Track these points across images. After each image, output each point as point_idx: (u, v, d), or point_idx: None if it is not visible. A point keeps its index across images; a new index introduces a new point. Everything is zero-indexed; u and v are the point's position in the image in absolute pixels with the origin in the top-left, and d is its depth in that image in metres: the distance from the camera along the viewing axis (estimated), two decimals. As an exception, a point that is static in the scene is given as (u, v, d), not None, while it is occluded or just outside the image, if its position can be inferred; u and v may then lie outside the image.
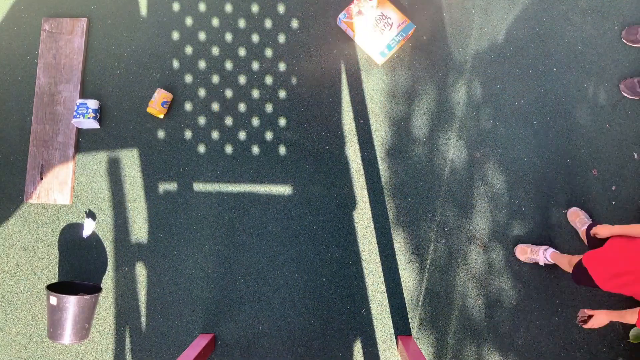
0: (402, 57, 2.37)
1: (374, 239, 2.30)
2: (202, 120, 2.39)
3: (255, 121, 2.39)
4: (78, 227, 2.35)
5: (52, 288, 2.21)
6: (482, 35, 2.37)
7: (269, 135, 2.37)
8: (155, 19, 2.46)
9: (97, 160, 2.39)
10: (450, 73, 2.36)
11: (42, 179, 2.37)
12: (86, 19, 2.44)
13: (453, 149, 2.32)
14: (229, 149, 2.37)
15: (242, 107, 2.39)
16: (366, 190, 2.32)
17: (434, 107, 2.35)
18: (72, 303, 2.12)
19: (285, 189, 2.34)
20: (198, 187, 2.35)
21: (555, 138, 2.31)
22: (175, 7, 2.46)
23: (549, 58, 2.35)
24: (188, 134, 2.39)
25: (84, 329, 2.18)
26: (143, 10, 2.46)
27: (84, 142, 2.40)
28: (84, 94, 2.42)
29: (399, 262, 2.28)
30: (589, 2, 2.37)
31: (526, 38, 2.36)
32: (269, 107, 2.39)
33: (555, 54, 2.35)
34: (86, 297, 2.15)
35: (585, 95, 2.32)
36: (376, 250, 2.29)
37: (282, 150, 2.36)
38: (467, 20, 2.38)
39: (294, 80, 2.40)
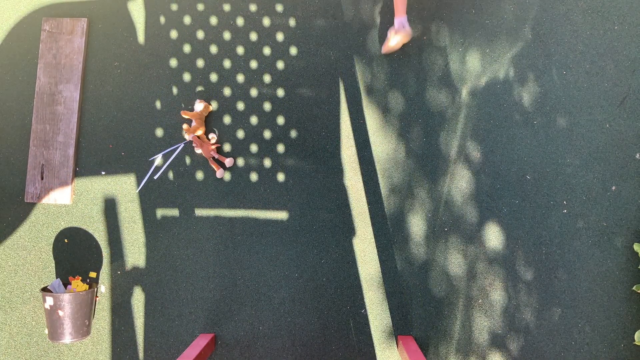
0: (403, 58, 2.37)
1: (374, 239, 2.30)
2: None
3: (254, 121, 2.39)
4: (78, 227, 2.35)
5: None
6: (482, 35, 2.37)
7: (268, 135, 2.37)
8: (156, 19, 2.46)
9: (98, 160, 2.39)
10: (450, 73, 2.36)
11: (42, 179, 2.37)
12: (86, 19, 2.44)
13: (453, 149, 2.32)
14: (227, 148, 2.37)
15: (240, 106, 2.40)
16: (366, 190, 2.33)
17: (434, 107, 2.35)
18: (67, 301, 2.12)
19: (285, 189, 2.34)
20: (198, 187, 2.35)
21: (555, 138, 2.31)
22: (175, 7, 2.46)
23: (549, 58, 2.35)
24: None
25: (84, 325, 2.18)
26: (143, 10, 2.46)
27: (85, 142, 2.40)
28: (84, 94, 2.42)
29: (398, 262, 2.28)
30: (589, 2, 2.37)
31: (526, 38, 2.36)
32: (267, 108, 2.39)
33: (555, 54, 2.35)
34: (81, 292, 2.15)
35: (585, 95, 2.32)
36: (376, 250, 2.29)
37: (282, 150, 2.36)
38: (467, 21, 2.38)
39: (293, 81, 2.40)
